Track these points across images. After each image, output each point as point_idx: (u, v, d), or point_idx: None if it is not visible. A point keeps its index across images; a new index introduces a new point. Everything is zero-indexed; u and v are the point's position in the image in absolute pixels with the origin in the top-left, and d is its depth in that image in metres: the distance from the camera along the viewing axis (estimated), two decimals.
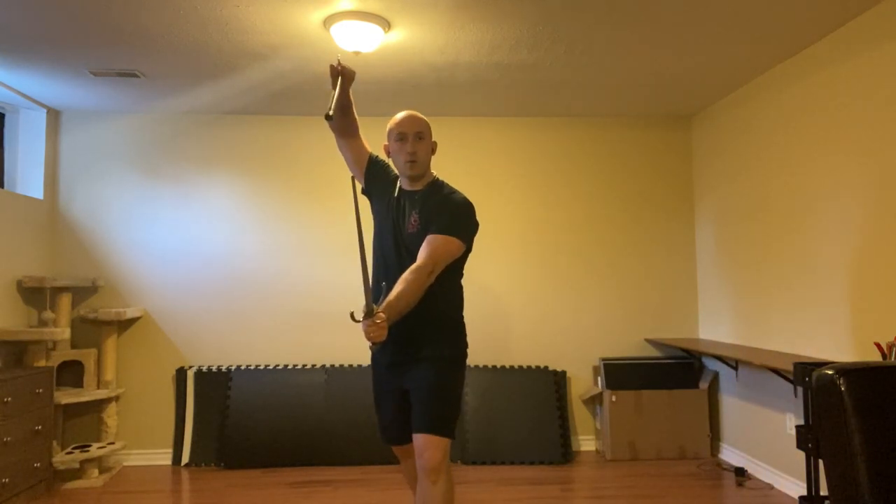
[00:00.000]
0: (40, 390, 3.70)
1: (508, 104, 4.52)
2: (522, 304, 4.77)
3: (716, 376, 4.53)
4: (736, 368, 4.22)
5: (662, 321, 4.80)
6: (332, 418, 4.37)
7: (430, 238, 2.22)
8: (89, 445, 4.14)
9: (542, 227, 4.81)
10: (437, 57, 3.59)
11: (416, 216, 2.31)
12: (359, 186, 2.31)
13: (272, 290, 4.64)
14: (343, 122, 2.49)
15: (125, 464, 4.46)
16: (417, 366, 2.31)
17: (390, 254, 2.35)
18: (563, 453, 4.37)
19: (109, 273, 4.56)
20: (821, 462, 2.64)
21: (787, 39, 3.37)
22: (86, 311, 4.38)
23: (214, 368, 4.53)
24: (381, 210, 2.42)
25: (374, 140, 4.76)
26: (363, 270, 2.04)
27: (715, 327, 4.56)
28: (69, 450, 4.06)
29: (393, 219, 2.36)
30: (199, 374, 4.49)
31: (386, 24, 3.13)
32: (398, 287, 2.09)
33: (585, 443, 4.71)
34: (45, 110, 4.46)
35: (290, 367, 4.56)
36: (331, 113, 2.11)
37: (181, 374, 4.51)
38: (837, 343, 3.24)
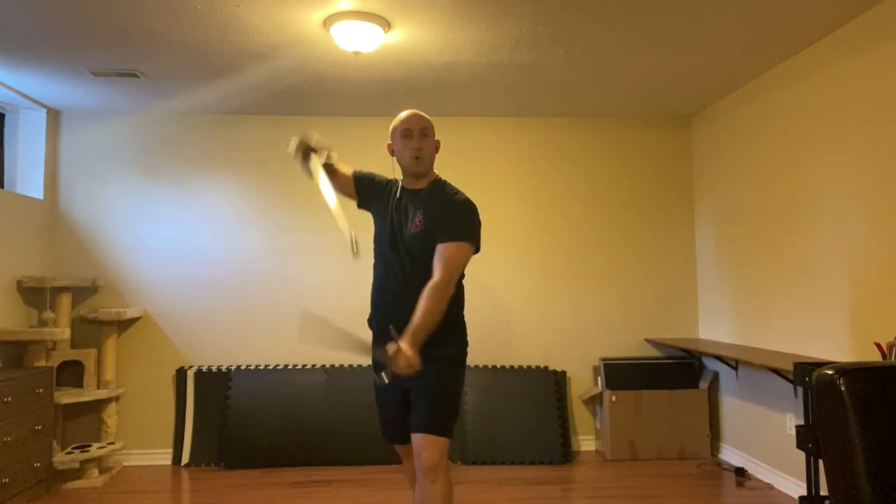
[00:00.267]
0: (40, 390, 3.71)
1: (508, 104, 4.52)
2: (522, 303, 4.77)
3: (716, 376, 4.53)
4: (736, 368, 4.22)
5: (662, 321, 4.80)
6: (332, 418, 4.37)
7: (441, 249, 2.23)
8: (89, 445, 4.14)
9: (542, 226, 4.81)
10: (437, 57, 3.59)
11: (420, 216, 2.31)
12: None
13: (272, 289, 4.64)
14: (336, 183, 2.50)
15: (125, 464, 4.46)
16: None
17: (389, 255, 2.35)
18: (563, 453, 4.37)
19: (109, 273, 4.56)
20: (821, 462, 2.64)
21: (787, 39, 3.37)
22: (86, 311, 4.38)
23: (214, 368, 4.53)
24: (382, 214, 2.42)
25: (375, 140, 4.77)
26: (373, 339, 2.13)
27: (715, 327, 4.56)
28: (69, 450, 4.06)
29: (394, 220, 2.36)
30: (199, 374, 4.49)
31: (386, 24, 3.13)
32: (420, 307, 2.14)
33: (585, 443, 4.71)
34: (45, 110, 4.47)
35: (290, 367, 4.57)
36: (354, 248, 2.25)
37: (181, 374, 4.51)
38: (837, 343, 3.24)
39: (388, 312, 2.36)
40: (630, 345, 4.78)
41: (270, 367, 4.55)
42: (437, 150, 2.41)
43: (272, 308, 4.63)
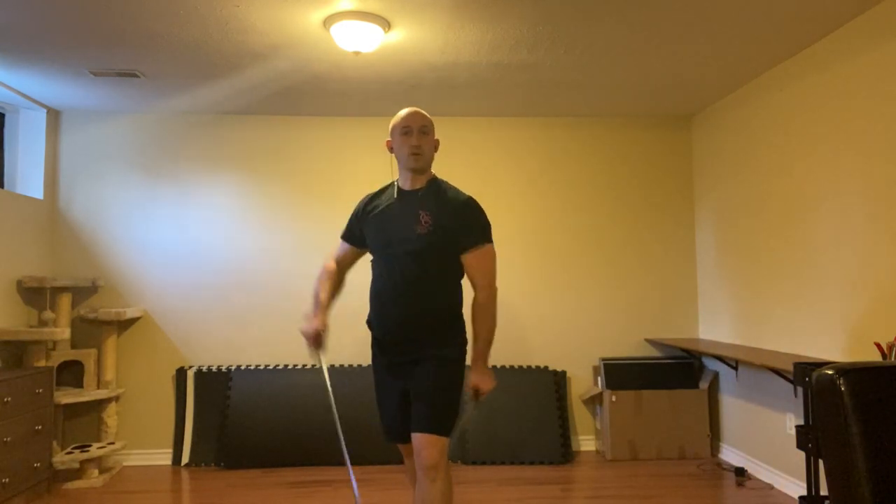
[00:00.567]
0: (40, 390, 3.71)
1: (508, 104, 4.52)
2: (522, 303, 4.77)
3: (716, 376, 4.53)
4: (736, 368, 4.22)
5: (662, 321, 4.80)
6: (333, 418, 4.37)
7: (472, 259, 2.32)
8: (89, 445, 4.14)
9: (543, 226, 4.81)
10: (437, 57, 3.59)
11: (426, 217, 2.31)
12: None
13: (272, 289, 4.64)
14: (342, 283, 2.63)
15: (125, 464, 4.46)
16: (418, 365, 2.32)
17: (391, 256, 2.34)
18: (563, 453, 4.37)
19: (109, 273, 4.56)
20: (821, 462, 2.64)
21: (787, 39, 3.37)
22: (86, 311, 4.38)
23: (214, 368, 4.53)
24: (379, 220, 2.40)
25: (375, 140, 4.77)
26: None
27: (715, 327, 4.56)
28: (69, 450, 4.06)
29: (395, 222, 2.35)
30: (199, 374, 4.49)
31: (386, 24, 3.13)
32: (480, 325, 2.32)
33: (585, 443, 4.71)
34: (45, 110, 4.47)
35: (290, 367, 4.57)
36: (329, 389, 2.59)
37: (181, 374, 4.51)
38: (837, 343, 3.24)
39: (389, 313, 2.35)
40: (630, 345, 4.78)
41: (270, 367, 4.55)
42: (436, 148, 2.42)
43: (272, 308, 4.63)
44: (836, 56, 3.25)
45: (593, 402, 4.73)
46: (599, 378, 4.58)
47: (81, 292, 4.52)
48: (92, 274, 4.54)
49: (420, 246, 2.29)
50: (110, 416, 4.32)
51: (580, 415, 4.73)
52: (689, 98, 4.41)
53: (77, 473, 4.06)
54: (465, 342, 2.40)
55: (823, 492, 3.19)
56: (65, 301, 4.23)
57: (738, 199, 4.22)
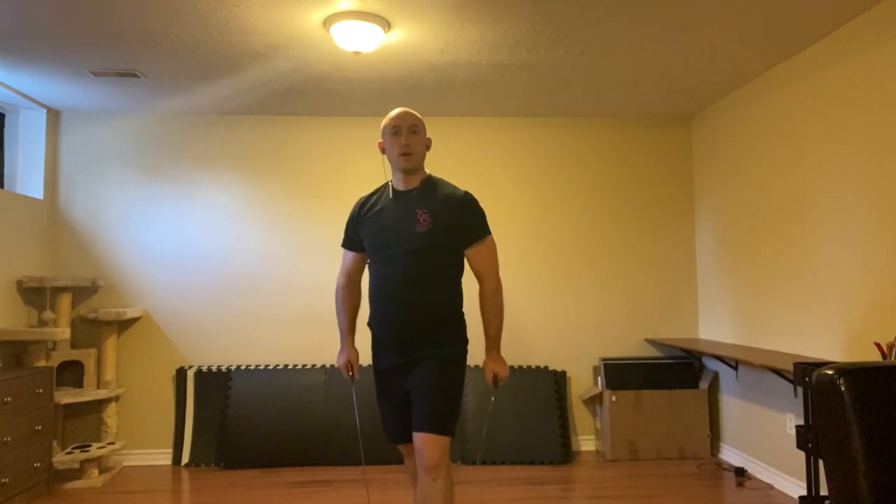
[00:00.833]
0: (40, 390, 3.71)
1: (508, 104, 4.52)
2: (522, 303, 4.77)
3: (716, 376, 4.53)
4: (736, 368, 4.22)
5: (662, 321, 4.80)
6: (332, 418, 4.37)
7: (475, 254, 2.37)
8: (89, 445, 4.14)
9: (543, 226, 4.81)
10: (437, 57, 3.59)
11: (424, 215, 2.31)
12: None
13: (272, 289, 4.64)
14: (357, 293, 2.67)
15: (125, 464, 4.46)
16: (419, 365, 2.33)
17: (391, 256, 2.34)
18: (563, 453, 4.37)
19: (109, 273, 4.56)
20: (821, 462, 2.64)
21: (787, 39, 3.37)
22: (86, 311, 4.38)
23: (214, 368, 4.53)
24: (375, 222, 2.40)
25: (375, 138, 4.77)
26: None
27: (715, 327, 4.56)
28: (69, 450, 4.06)
29: (393, 222, 2.35)
30: (199, 374, 4.49)
31: (386, 24, 3.13)
32: (490, 317, 2.39)
33: (585, 443, 4.71)
34: (45, 110, 4.47)
35: (290, 367, 4.57)
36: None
37: (181, 374, 4.51)
38: (837, 343, 3.24)
39: (390, 313, 2.35)
40: (630, 345, 4.78)
41: (270, 367, 4.55)
42: (427, 147, 2.42)
43: (272, 308, 4.63)
44: (836, 56, 3.25)
45: (593, 402, 4.73)
46: (599, 378, 4.58)
47: (81, 292, 4.52)
48: (92, 274, 4.54)
49: (420, 245, 2.29)
50: (110, 416, 4.32)
51: (580, 415, 4.73)
52: (689, 98, 4.41)
53: (77, 473, 4.06)
54: (465, 341, 2.40)
55: (823, 492, 3.19)
56: (65, 301, 4.23)
57: (738, 199, 4.22)
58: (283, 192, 4.70)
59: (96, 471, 4.04)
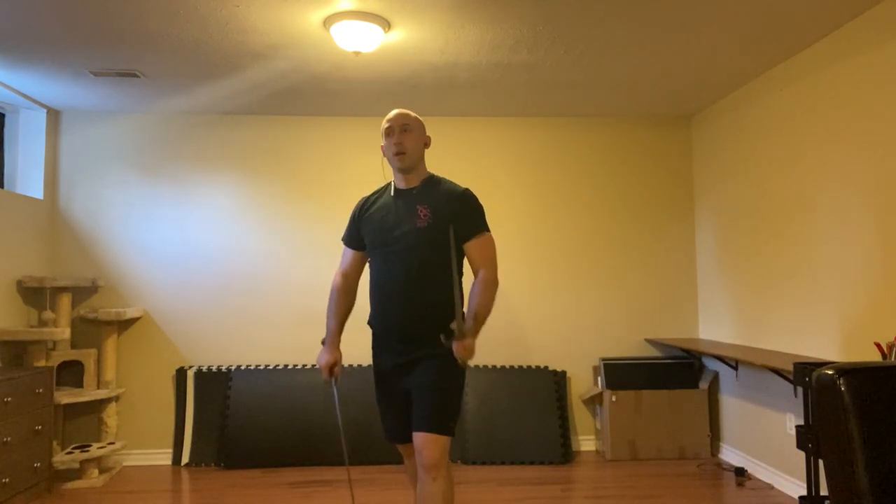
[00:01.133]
0: (40, 390, 3.71)
1: (508, 104, 4.52)
2: (522, 303, 4.77)
3: (716, 376, 4.53)
4: (736, 368, 4.22)
5: (662, 321, 4.80)
6: (332, 418, 4.37)
7: (473, 247, 2.35)
8: (89, 445, 4.14)
9: (543, 226, 4.81)
10: (437, 57, 3.59)
11: (424, 210, 2.33)
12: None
13: (272, 289, 4.64)
14: (353, 293, 2.63)
15: (125, 464, 4.46)
16: (419, 365, 2.33)
17: (391, 254, 2.35)
18: (563, 453, 4.37)
19: (109, 273, 4.56)
20: (821, 462, 2.64)
21: (786, 40, 3.37)
22: (86, 311, 4.38)
23: (214, 368, 4.53)
24: (376, 219, 2.42)
25: (375, 140, 4.77)
26: (454, 297, 2.20)
27: (715, 327, 4.56)
28: (69, 450, 4.06)
29: (394, 219, 2.37)
30: (199, 374, 4.49)
31: (386, 24, 3.13)
32: (478, 300, 2.27)
33: (585, 443, 4.71)
34: (45, 110, 4.47)
35: (290, 367, 4.56)
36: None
37: (181, 374, 4.51)
38: (837, 343, 3.24)
39: (390, 311, 2.36)
40: (630, 345, 4.78)
41: (270, 367, 4.55)
42: (426, 146, 2.44)
43: (272, 308, 4.63)
44: (836, 56, 3.25)
45: (593, 402, 4.73)
46: (599, 378, 4.58)
47: (81, 292, 4.52)
48: (92, 274, 4.54)
49: (420, 240, 2.30)
50: (110, 416, 4.32)
51: (580, 415, 4.73)
52: (689, 98, 4.41)
53: (77, 473, 4.06)
54: None
55: (823, 492, 3.19)
56: (65, 301, 4.23)
57: (738, 199, 4.22)
58: (283, 192, 4.70)
59: (96, 471, 4.04)
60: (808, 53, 3.48)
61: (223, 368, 4.53)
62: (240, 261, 4.64)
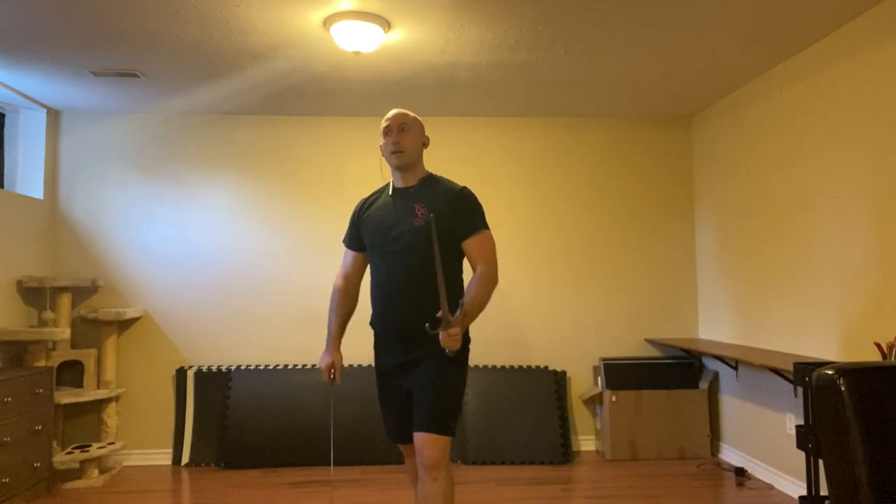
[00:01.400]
0: (40, 390, 3.70)
1: (508, 104, 4.52)
2: (522, 303, 4.77)
3: (716, 376, 4.53)
4: (736, 368, 4.22)
5: (662, 321, 4.80)
6: (332, 418, 4.37)
7: (472, 245, 2.34)
8: (89, 445, 4.14)
9: (543, 226, 4.81)
10: (437, 57, 3.59)
11: (421, 209, 2.33)
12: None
13: (272, 289, 4.64)
14: (356, 294, 2.64)
15: (125, 464, 4.46)
16: (419, 365, 2.33)
17: (393, 259, 2.35)
18: (563, 453, 4.37)
19: (109, 273, 4.56)
20: (821, 462, 2.64)
21: (786, 40, 3.37)
22: (86, 311, 4.38)
23: (214, 368, 4.53)
24: (376, 219, 2.43)
25: (375, 138, 4.77)
26: (439, 285, 2.18)
27: (715, 327, 4.56)
28: (69, 450, 4.06)
29: (393, 219, 2.37)
30: (199, 374, 4.49)
31: (386, 24, 3.13)
32: (473, 293, 2.25)
33: (585, 443, 4.71)
34: (45, 110, 4.47)
35: (290, 367, 4.56)
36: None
37: (181, 374, 4.51)
38: (837, 343, 3.24)
39: (390, 310, 2.36)
40: (630, 345, 4.78)
41: (270, 367, 4.55)
42: (425, 146, 2.45)
43: (272, 308, 4.63)
44: (836, 56, 3.25)
45: (593, 402, 4.73)
46: (599, 378, 4.58)
47: (81, 292, 4.52)
48: (92, 274, 4.54)
49: (419, 238, 2.30)
50: (110, 416, 4.32)
51: (580, 415, 4.73)
52: (689, 98, 4.41)
53: (77, 473, 4.06)
54: (467, 341, 2.40)
55: (823, 492, 3.19)
56: (65, 301, 4.23)
57: (738, 199, 4.22)
58: (283, 192, 4.70)
59: (96, 471, 4.04)
60: (808, 53, 3.49)
61: (223, 368, 4.53)
62: (240, 261, 4.64)
